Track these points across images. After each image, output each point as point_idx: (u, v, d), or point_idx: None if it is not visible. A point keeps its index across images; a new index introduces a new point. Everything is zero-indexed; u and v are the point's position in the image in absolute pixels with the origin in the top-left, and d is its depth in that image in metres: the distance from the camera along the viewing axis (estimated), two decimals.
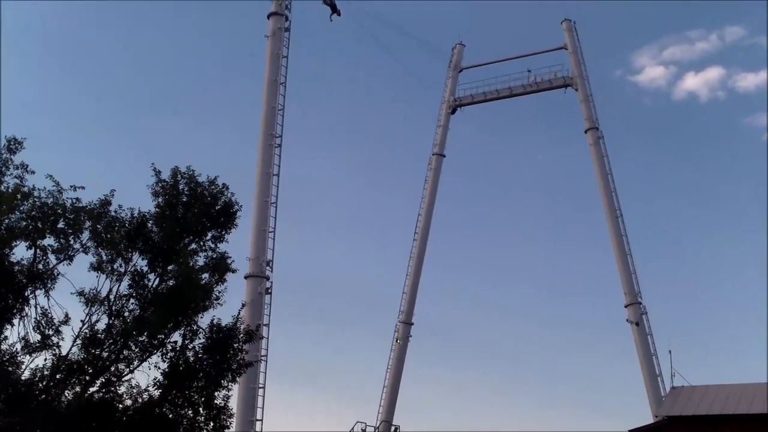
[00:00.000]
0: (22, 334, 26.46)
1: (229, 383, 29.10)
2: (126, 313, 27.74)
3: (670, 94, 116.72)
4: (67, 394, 26.67)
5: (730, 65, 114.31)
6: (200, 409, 28.32)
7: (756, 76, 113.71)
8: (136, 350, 27.76)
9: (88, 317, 27.14)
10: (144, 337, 27.77)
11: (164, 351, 28.17)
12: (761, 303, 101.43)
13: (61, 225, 27.11)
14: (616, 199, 58.32)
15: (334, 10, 53.34)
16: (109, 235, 27.53)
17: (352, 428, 55.27)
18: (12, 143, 27.05)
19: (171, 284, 28.25)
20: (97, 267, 27.53)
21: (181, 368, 28.08)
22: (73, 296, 27.16)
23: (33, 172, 27.08)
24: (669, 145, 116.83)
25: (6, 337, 26.53)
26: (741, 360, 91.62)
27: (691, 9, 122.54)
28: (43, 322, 26.65)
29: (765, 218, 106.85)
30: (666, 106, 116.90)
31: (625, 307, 55.10)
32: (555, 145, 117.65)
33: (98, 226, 27.48)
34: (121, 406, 27.54)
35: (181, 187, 29.25)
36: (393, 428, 60.65)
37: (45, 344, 26.53)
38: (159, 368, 27.96)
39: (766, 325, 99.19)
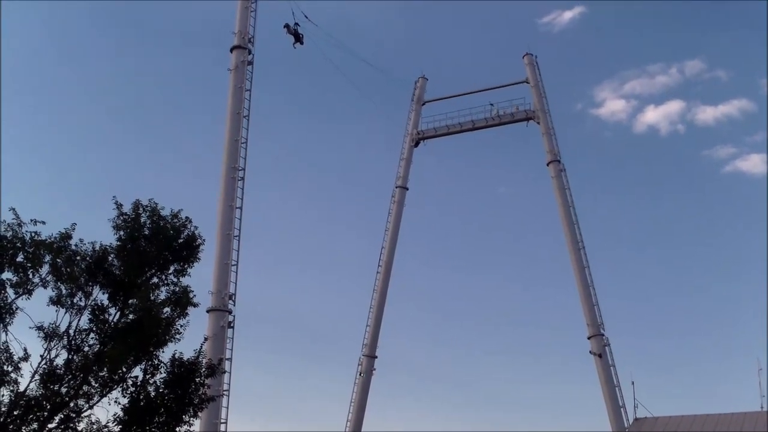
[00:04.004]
0: None
1: (191, 418, 28.82)
2: (86, 348, 27.38)
3: (631, 127, 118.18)
4: (24, 431, 26.19)
5: (690, 99, 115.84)
6: None
7: (715, 109, 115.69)
8: (96, 386, 27.39)
9: (46, 352, 26.79)
10: (104, 372, 27.44)
11: (125, 386, 27.83)
12: (723, 335, 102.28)
13: (20, 259, 26.81)
14: (578, 230, 58.74)
15: (297, 38, 53.54)
16: (69, 269, 27.25)
17: None
18: None
19: (132, 318, 27.99)
20: (56, 301, 27.22)
21: (141, 403, 27.73)
22: (31, 331, 26.83)
23: None
24: (630, 178, 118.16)
25: None
26: (703, 391, 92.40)
27: (651, 43, 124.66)
28: (3, 357, 26.27)
29: (723, 249, 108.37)
30: (627, 139, 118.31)
31: (588, 338, 55.32)
32: (517, 178, 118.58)
33: (58, 260, 27.21)
34: None
35: (143, 220, 29.06)
36: None
37: (3, 380, 26.09)
38: (119, 404, 27.62)
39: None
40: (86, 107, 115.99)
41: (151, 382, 28.30)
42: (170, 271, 29.39)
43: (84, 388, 27.15)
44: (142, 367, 28.28)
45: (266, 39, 53.77)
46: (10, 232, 26.70)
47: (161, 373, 28.49)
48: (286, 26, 53.30)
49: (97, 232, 28.59)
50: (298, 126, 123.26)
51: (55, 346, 26.97)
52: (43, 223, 27.04)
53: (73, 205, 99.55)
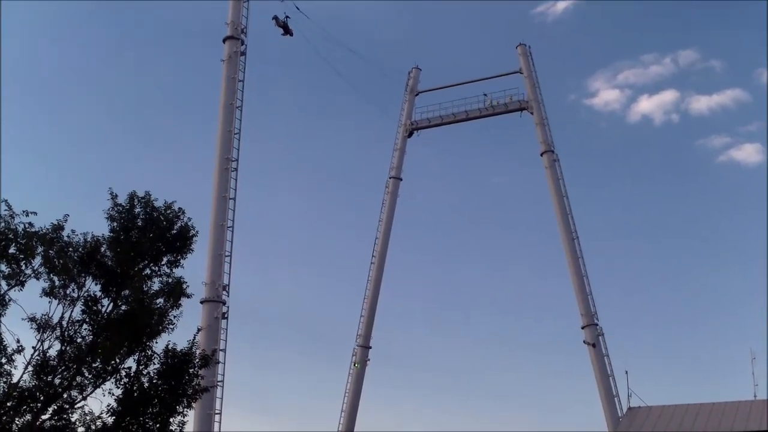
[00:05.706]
0: None
1: (185, 409, 28.76)
2: (79, 339, 27.37)
3: (625, 117, 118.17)
4: (18, 422, 26.16)
5: (684, 88, 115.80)
6: None
7: (709, 99, 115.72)
8: (90, 376, 27.37)
9: (39, 343, 26.76)
10: (97, 363, 27.42)
11: (118, 377, 27.82)
12: (717, 324, 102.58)
13: (12, 250, 26.73)
14: (572, 220, 58.78)
15: (287, 30, 53.51)
16: (61, 261, 27.17)
17: None
18: None
19: (125, 309, 27.93)
20: (49, 292, 27.17)
21: (135, 394, 27.71)
22: (24, 322, 26.79)
23: None
24: (624, 168, 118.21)
25: None
26: (697, 380, 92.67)
27: (645, 33, 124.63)
28: None
29: (717, 238, 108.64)
30: (621, 129, 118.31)
31: (582, 328, 55.42)
32: (511, 168, 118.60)
33: (50, 251, 27.13)
34: None
35: (136, 211, 28.98)
36: None
37: None
38: (113, 394, 27.58)
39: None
40: (86, 107, 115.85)
41: (144, 372, 28.27)
42: (163, 262, 29.34)
43: (77, 379, 27.12)
44: (136, 358, 28.24)
45: (260, 36, 53.79)
46: (3, 224, 26.60)
47: (155, 363, 28.46)
48: (275, 18, 53.26)
49: (95, 229, 28.58)
50: (291, 121, 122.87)
51: (48, 337, 26.96)
52: (35, 213, 26.98)
53: (73, 205, 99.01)
